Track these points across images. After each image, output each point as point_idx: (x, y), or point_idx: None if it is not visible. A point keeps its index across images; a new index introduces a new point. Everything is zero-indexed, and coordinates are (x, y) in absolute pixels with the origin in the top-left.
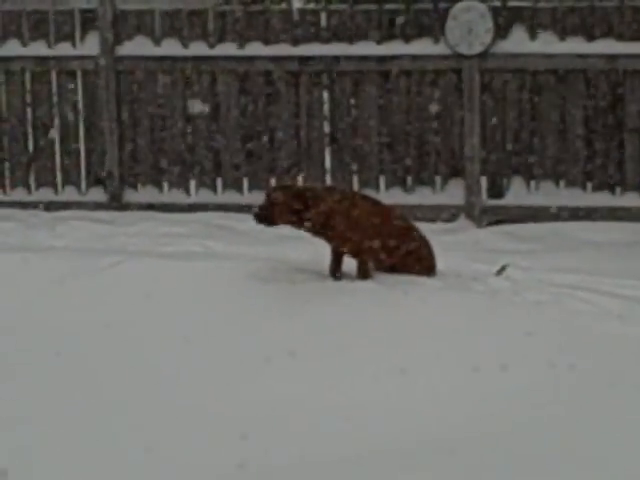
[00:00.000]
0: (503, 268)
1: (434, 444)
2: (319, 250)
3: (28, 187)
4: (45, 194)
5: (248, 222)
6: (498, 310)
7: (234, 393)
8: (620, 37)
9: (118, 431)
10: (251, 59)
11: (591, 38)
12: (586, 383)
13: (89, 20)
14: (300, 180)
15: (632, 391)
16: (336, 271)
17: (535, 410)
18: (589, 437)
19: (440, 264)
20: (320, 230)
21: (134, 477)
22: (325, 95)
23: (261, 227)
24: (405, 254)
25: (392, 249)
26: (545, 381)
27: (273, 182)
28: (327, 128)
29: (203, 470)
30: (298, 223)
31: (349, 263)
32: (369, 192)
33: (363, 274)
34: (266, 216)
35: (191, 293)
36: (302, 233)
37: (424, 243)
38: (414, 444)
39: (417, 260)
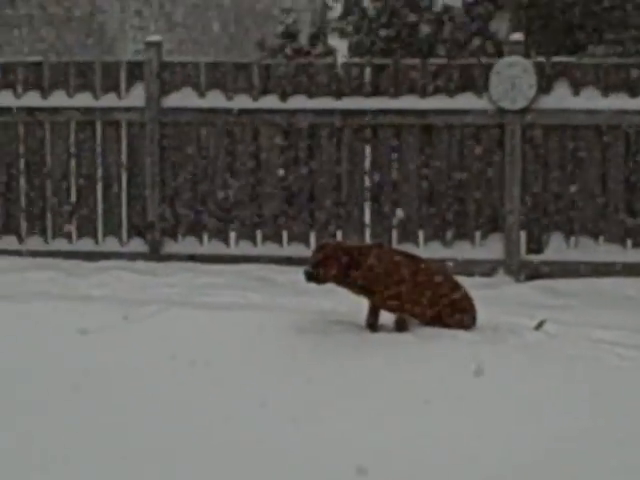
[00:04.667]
0: (541, 323)
1: None
2: (356, 302)
3: (69, 237)
4: (86, 244)
5: (287, 274)
6: (535, 363)
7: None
8: None
9: None
10: (294, 112)
11: (634, 94)
12: (617, 440)
13: (135, 71)
14: (339, 234)
15: None
16: (374, 324)
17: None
18: None
19: (479, 318)
20: (362, 288)
21: None
22: (367, 150)
23: (302, 280)
24: (445, 308)
25: (431, 303)
26: (575, 435)
27: (312, 235)
28: (367, 182)
29: None
30: (344, 281)
31: (385, 314)
32: (408, 246)
33: (400, 327)
34: (317, 274)
35: (230, 343)
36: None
37: (464, 296)
38: None
39: (456, 314)
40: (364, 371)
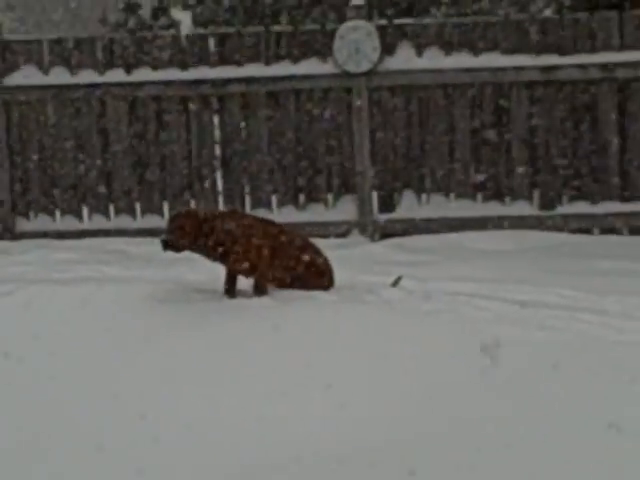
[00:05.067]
0: (398, 280)
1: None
2: (214, 270)
3: None
4: None
5: (142, 246)
6: (391, 320)
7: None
8: (504, 51)
9: None
10: (140, 85)
11: (476, 52)
12: (479, 387)
13: None
14: (192, 203)
15: (522, 396)
16: (231, 289)
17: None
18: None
19: (336, 279)
20: (218, 253)
21: None
22: (215, 119)
23: (158, 251)
24: (301, 270)
25: (288, 267)
26: (439, 387)
27: (166, 206)
28: (218, 151)
29: None
30: (200, 248)
31: (244, 280)
32: (261, 212)
33: (259, 291)
34: (173, 242)
35: (84, 317)
36: (196, 255)
37: (320, 258)
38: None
39: (314, 275)
40: (222, 337)
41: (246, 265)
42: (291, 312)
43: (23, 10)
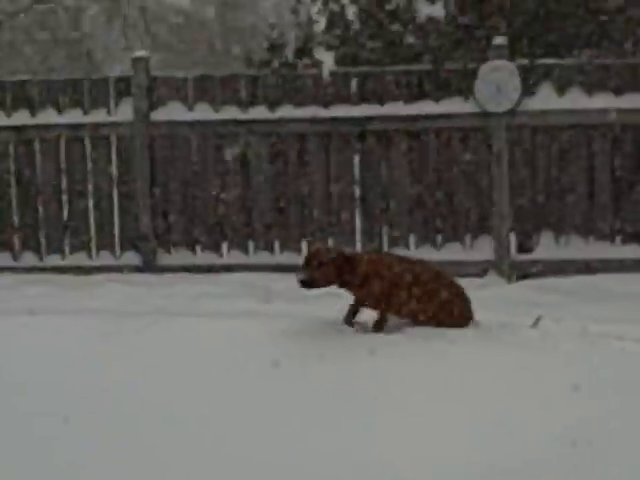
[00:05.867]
0: (537, 320)
1: None
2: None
3: (62, 252)
4: (80, 259)
5: (280, 282)
6: (533, 361)
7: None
8: None
9: None
10: (282, 122)
11: (618, 93)
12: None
13: (123, 88)
14: (330, 241)
15: None
16: (351, 321)
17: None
18: None
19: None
20: (357, 291)
21: None
22: (356, 158)
23: (295, 287)
24: (440, 307)
25: (426, 303)
26: (584, 432)
27: (304, 243)
28: (357, 189)
29: None
30: (337, 285)
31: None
32: (398, 251)
33: (377, 328)
34: (312, 280)
35: (226, 349)
36: (333, 290)
37: (459, 295)
38: None
39: (452, 313)
40: (361, 371)
41: (386, 305)
42: (425, 349)
43: (168, 51)
